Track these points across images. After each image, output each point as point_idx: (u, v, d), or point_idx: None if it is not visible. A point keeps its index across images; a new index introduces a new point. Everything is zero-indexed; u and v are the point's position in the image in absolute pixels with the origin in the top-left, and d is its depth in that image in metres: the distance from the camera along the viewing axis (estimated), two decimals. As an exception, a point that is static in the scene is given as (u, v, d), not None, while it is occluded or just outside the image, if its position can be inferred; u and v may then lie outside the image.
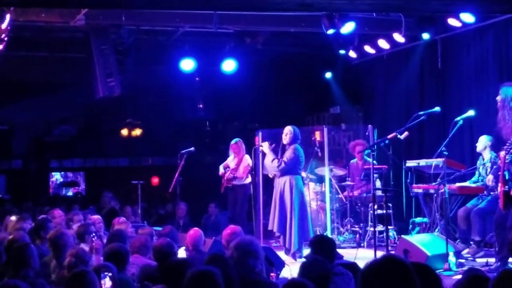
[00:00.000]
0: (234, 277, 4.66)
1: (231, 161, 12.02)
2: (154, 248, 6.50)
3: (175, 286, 4.60)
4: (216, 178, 12.49)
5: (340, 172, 12.60)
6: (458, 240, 9.93)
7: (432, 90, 12.83)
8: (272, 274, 6.52)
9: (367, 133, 12.30)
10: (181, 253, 7.54)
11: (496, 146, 9.58)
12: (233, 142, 12.03)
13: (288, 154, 10.02)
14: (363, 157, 12.35)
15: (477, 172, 10.23)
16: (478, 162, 10.21)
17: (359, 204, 12.26)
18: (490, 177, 9.28)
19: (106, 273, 4.88)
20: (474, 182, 10.16)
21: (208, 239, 8.66)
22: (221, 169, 12.05)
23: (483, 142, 10.08)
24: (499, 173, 8.68)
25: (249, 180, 11.76)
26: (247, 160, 11.81)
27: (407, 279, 2.91)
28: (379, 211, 11.06)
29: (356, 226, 12.12)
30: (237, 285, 4.65)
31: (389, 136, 9.12)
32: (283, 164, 10.00)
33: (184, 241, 8.20)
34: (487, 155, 10.03)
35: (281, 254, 9.32)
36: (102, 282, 4.80)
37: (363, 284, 2.99)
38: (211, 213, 14.52)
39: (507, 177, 8.51)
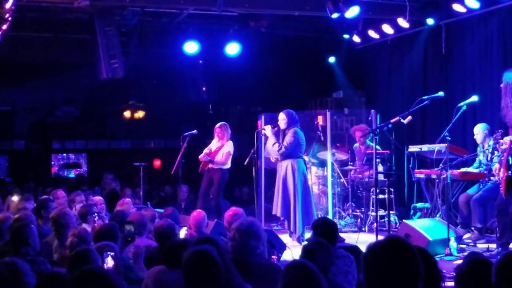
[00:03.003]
0: (226, 261, 4.62)
1: (214, 144, 11.86)
2: (155, 229, 6.51)
3: (175, 266, 4.59)
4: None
5: (342, 156, 12.58)
6: (459, 226, 9.93)
7: (436, 76, 12.79)
8: (273, 256, 6.54)
9: (370, 118, 12.27)
10: (183, 234, 7.55)
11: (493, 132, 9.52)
12: (217, 125, 11.83)
13: (287, 138, 9.99)
14: (364, 141, 12.33)
15: (477, 159, 10.22)
16: (478, 149, 10.19)
17: (361, 189, 12.25)
18: (497, 165, 9.18)
19: (108, 253, 4.88)
20: (476, 169, 10.15)
21: (210, 221, 8.67)
22: (204, 151, 11.83)
23: (481, 132, 10.05)
24: (502, 158, 8.66)
25: (227, 166, 11.56)
26: (229, 147, 11.56)
27: (412, 261, 2.90)
28: (381, 196, 11.05)
29: (358, 211, 12.12)
30: (228, 269, 4.63)
31: (392, 121, 9.10)
32: (283, 149, 9.97)
33: (185, 223, 8.22)
34: (487, 142, 10.00)
35: (283, 237, 9.31)
36: (105, 261, 4.80)
37: (366, 266, 2.97)
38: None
39: (511, 162, 8.49)
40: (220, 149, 11.57)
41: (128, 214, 7.51)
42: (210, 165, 11.54)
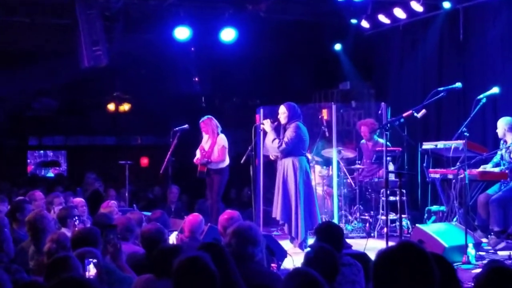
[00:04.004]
0: (233, 268, 4.64)
1: (205, 142, 11.84)
2: (143, 234, 6.50)
3: (164, 275, 4.59)
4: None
5: (349, 154, 12.58)
6: (477, 230, 9.94)
7: (453, 65, 12.78)
8: (273, 264, 6.54)
9: (379, 112, 12.27)
10: (173, 239, 7.55)
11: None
12: (200, 121, 11.83)
13: (289, 133, 9.96)
14: (371, 137, 12.33)
15: (498, 154, 10.21)
16: (501, 145, 10.19)
17: (369, 190, 12.25)
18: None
19: (90, 260, 4.87)
20: (496, 165, 10.14)
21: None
22: (198, 154, 11.82)
23: (501, 126, 10.07)
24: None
25: (226, 163, 11.61)
26: (222, 140, 11.60)
27: (426, 269, 2.90)
28: (392, 198, 11.04)
29: (366, 214, 12.12)
30: (237, 278, 4.63)
31: (404, 115, 9.08)
32: (283, 145, 9.94)
33: (176, 227, 8.22)
34: (510, 138, 10.01)
35: (284, 243, 9.31)
36: (86, 269, 4.79)
37: (376, 274, 2.97)
38: (208, 198, 14.50)
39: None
40: (214, 145, 11.57)
41: (113, 217, 7.51)
42: (208, 167, 11.56)
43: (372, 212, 12.01)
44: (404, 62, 14.13)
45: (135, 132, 20.83)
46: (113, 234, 5.88)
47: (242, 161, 11.25)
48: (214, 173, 11.58)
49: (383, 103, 12.42)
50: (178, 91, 17.77)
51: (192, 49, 15.75)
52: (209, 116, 11.82)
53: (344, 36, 15.07)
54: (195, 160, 11.74)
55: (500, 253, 9.50)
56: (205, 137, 11.80)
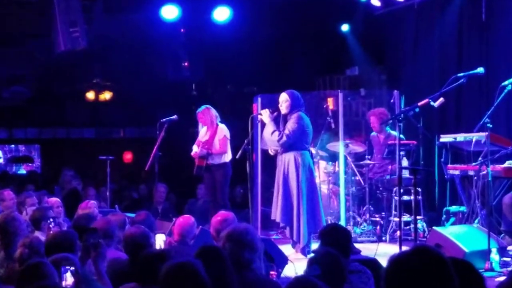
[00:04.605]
0: (232, 277, 4.65)
1: (203, 135, 11.86)
2: (125, 238, 6.50)
3: (149, 283, 4.59)
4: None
5: (358, 148, 12.58)
6: (502, 234, 9.94)
7: (474, 48, 12.76)
8: (272, 272, 6.53)
9: (392, 100, 12.27)
10: (160, 242, 7.55)
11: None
12: (198, 110, 11.85)
13: (290, 125, 9.92)
14: (382, 129, 12.34)
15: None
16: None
17: (380, 188, 12.25)
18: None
19: (67, 267, 4.86)
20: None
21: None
22: (194, 149, 11.86)
23: None
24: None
25: (229, 157, 11.62)
26: (223, 130, 11.64)
27: (444, 277, 2.89)
28: (406, 197, 11.04)
29: (377, 216, 12.12)
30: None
31: (419, 104, 9.07)
32: (284, 138, 9.91)
33: (163, 231, 8.22)
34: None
35: (285, 248, 9.31)
36: (63, 278, 4.79)
37: (387, 283, 2.97)
38: (200, 197, 14.53)
39: None
40: (214, 136, 11.59)
41: (92, 219, 7.50)
42: (209, 161, 11.56)
43: (383, 213, 12.01)
44: (420, 45, 14.11)
45: (117, 124, 20.83)
46: (93, 239, 5.87)
47: (237, 157, 11.23)
48: (216, 168, 11.58)
49: (395, 90, 12.41)
50: (166, 78, 17.76)
51: (182, 30, 15.75)
52: (207, 106, 11.83)
53: (352, 15, 15.09)
54: (192, 153, 11.72)
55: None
56: (203, 129, 11.82)
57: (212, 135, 11.60)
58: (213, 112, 11.74)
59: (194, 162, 11.70)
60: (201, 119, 11.78)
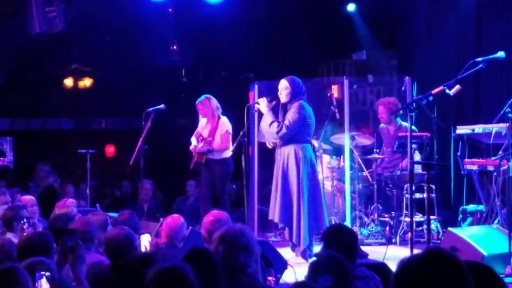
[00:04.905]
0: (224, 283, 4.65)
1: (203, 127, 11.89)
2: (107, 240, 6.49)
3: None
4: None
5: (365, 141, 12.59)
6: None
7: (494, 30, 12.77)
8: (270, 278, 6.54)
9: (403, 88, 12.24)
10: (145, 244, 7.55)
11: None
12: (198, 100, 11.91)
13: (290, 114, 9.91)
14: (392, 120, 12.34)
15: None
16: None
17: (390, 185, 12.26)
18: None
19: (42, 273, 4.86)
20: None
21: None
22: (193, 141, 11.88)
23: None
24: None
25: (230, 152, 11.65)
26: (225, 124, 11.70)
27: (460, 282, 2.89)
28: (418, 195, 11.05)
29: (386, 216, 12.14)
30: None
31: (433, 91, 9.06)
32: (284, 129, 9.91)
33: (149, 231, 8.22)
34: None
35: (284, 251, 9.32)
36: (37, 284, 4.78)
37: (397, 289, 2.97)
38: (189, 194, 14.53)
39: None
40: (215, 130, 11.63)
41: (70, 219, 7.49)
42: (208, 156, 11.59)
43: (393, 212, 12.03)
44: (434, 26, 14.11)
45: (98, 113, 20.79)
46: (71, 241, 5.86)
47: (228, 149, 11.25)
48: (216, 164, 11.66)
49: (407, 77, 12.38)
50: (152, 63, 17.74)
51: (170, 10, 15.72)
52: (208, 95, 11.87)
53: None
54: (191, 148, 11.75)
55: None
56: (203, 120, 11.87)
57: (213, 130, 11.64)
58: (214, 103, 11.78)
59: (191, 157, 11.74)
60: (201, 111, 11.83)
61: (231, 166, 11.76)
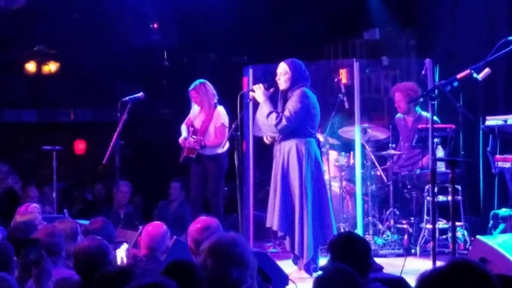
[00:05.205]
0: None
1: (196, 115, 11.92)
2: (77, 253, 6.49)
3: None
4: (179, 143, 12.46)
5: (379, 134, 12.61)
6: None
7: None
8: (268, 295, 6.56)
9: (423, 72, 12.27)
10: (122, 254, 7.57)
11: None
12: (192, 87, 11.97)
13: (291, 104, 9.91)
14: (411, 110, 12.36)
15: None
16: None
17: (409, 187, 12.28)
18: None
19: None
20: None
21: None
22: (183, 132, 11.93)
23: None
24: None
25: (226, 147, 11.67)
26: (221, 115, 11.77)
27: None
28: (441, 198, 11.07)
29: (404, 222, 12.16)
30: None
31: (459, 76, 9.08)
32: (284, 121, 9.91)
33: (125, 241, 8.23)
34: None
35: (284, 264, 9.35)
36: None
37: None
38: (173, 198, 14.53)
39: None
40: (209, 122, 11.69)
41: (33, 228, 7.49)
42: (200, 151, 11.63)
43: (412, 218, 12.05)
44: (459, 1, 14.12)
45: (65, 103, 20.79)
46: (34, 253, 5.87)
47: (222, 145, 11.26)
48: (209, 160, 11.74)
49: (427, 59, 12.40)
50: (129, 44, 17.76)
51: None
52: (202, 80, 11.90)
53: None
54: (180, 140, 11.79)
55: None
56: (196, 108, 11.89)
57: (207, 121, 11.68)
58: (211, 89, 11.88)
59: (180, 149, 11.78)
60: (195, 99, 11.89)
61: (226, 163, 11.78)
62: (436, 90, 9.21)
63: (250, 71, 11.91)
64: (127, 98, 12.03)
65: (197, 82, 11.92)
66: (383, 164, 12.56)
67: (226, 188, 14.66)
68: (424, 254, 11.26)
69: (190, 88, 11.91)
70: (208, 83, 11.92)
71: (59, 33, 18.44)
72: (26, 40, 18.97)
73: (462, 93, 9.49)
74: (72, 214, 13.13)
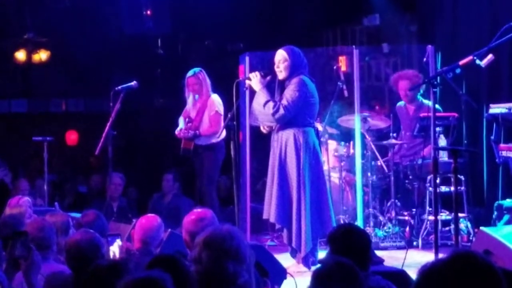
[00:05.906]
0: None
1: (191, 106, 11.93)
2: (69, 247, 6.48)
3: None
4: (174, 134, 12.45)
5: (380, 123, 12.60)
6: None
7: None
8: (265, 289, 6.55)
9: (425, 59, 12.26)
10: (115, 248, 7.56)
11: None
12: (189, 74, 11.96)
13: (289, 92, 9.91)
14: (413, 98, 12.36)
15: None
16: None
17: (410, 177, 12.28)
18: None
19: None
20: None
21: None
22: (180, 123, 11.95)
23: None
24: None
25: (222, 135, 11.66)
26: (215, 103, 11.78)
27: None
28: (444, 188, 11.06)
29: (406, 213, 12.16)
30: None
31: (461, 62, 9.06)
32: (281, 110, 9.90)
33: (118, 234, 8.22)
34: None
35: (282, 257, 9.34)
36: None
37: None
38: (166, 191, 14.52)
39: None
40: (203, 111, 11.67)
41: (23, 221, 7.48)
42: (196, 142, 11.65)
43: (414, 210, 12.04)
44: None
45: (57, 93, 20.77)
46: (23, 246, 5.86)
47: (217, 136, 11.25)
48: (204, 150, 11.76)
49: (429, 45, 12.39)
50: (122, 32, 17.73)
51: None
52: (200, 69, 11.95)
53: None
54: (177, 132, 11.80)
55: None
56: (191, 98, 11.89)
57: (201, 111, 11.68)
58: (207, 77, 11.85)
59: (177, 141, 11.80)
60: (193, 86, 11.92)
61: (223, 153, 11.77)
62: (438, 78, 9.19)
63: (247, 58, 11.91)
64: (120, 87, 11.99)
65: (197, 69, 11.93)
66: (384, 154, 12.56)
67: (220, 178, 14.68)
68: (426, 246, 11.27)
69: (190, 74, 11.89)
70: (203, 71, 11.91)
71: (50, 20, 18.40)
72: (16, 28, 18.93)
73: (465, 80, 9.48)
74: (64, 207, 13.12)
